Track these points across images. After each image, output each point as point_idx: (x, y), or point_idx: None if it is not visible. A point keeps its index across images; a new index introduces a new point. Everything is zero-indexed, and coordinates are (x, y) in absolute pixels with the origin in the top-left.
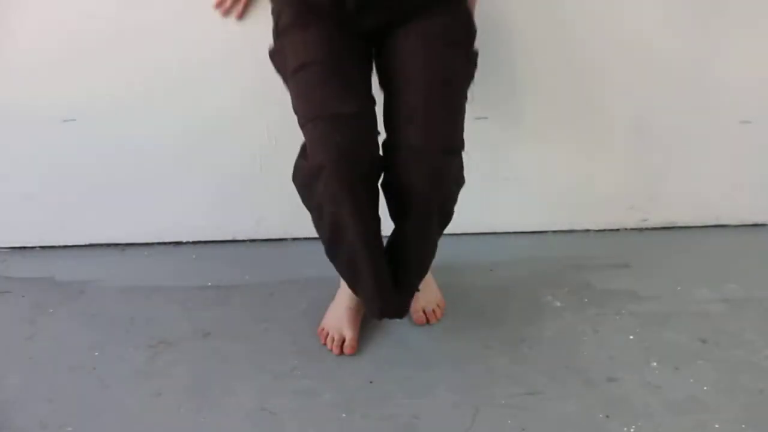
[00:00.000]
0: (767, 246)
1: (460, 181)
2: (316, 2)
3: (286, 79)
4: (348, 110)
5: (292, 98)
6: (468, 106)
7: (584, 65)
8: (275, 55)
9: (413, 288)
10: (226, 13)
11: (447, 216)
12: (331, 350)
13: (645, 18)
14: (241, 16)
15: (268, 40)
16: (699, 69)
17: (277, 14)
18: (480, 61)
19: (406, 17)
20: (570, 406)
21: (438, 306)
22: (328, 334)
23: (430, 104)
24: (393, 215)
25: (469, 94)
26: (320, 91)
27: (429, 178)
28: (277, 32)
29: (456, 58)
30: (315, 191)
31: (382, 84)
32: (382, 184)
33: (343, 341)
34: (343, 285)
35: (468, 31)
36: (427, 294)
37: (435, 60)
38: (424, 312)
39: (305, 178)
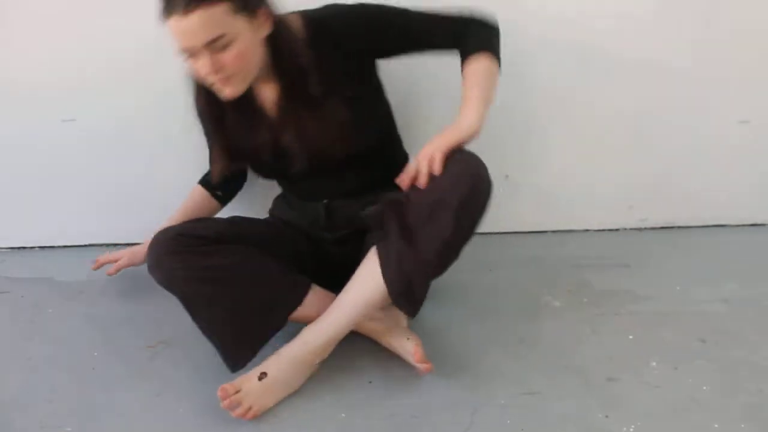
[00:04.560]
0: (767, 246)
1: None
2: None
3: None
4: None
5: None
6: None
7: (584, 65)
8: None
9: None
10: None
11: None
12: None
13: (645, 18)
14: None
15: None
16: (699, 69)
17: None
18: None
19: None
20: (569, 406)
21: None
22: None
23: None
24: None
25: None
26: None
27: None
28: None
29: None
30: None
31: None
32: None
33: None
34: None
35: None
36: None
37: None
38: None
39: None
